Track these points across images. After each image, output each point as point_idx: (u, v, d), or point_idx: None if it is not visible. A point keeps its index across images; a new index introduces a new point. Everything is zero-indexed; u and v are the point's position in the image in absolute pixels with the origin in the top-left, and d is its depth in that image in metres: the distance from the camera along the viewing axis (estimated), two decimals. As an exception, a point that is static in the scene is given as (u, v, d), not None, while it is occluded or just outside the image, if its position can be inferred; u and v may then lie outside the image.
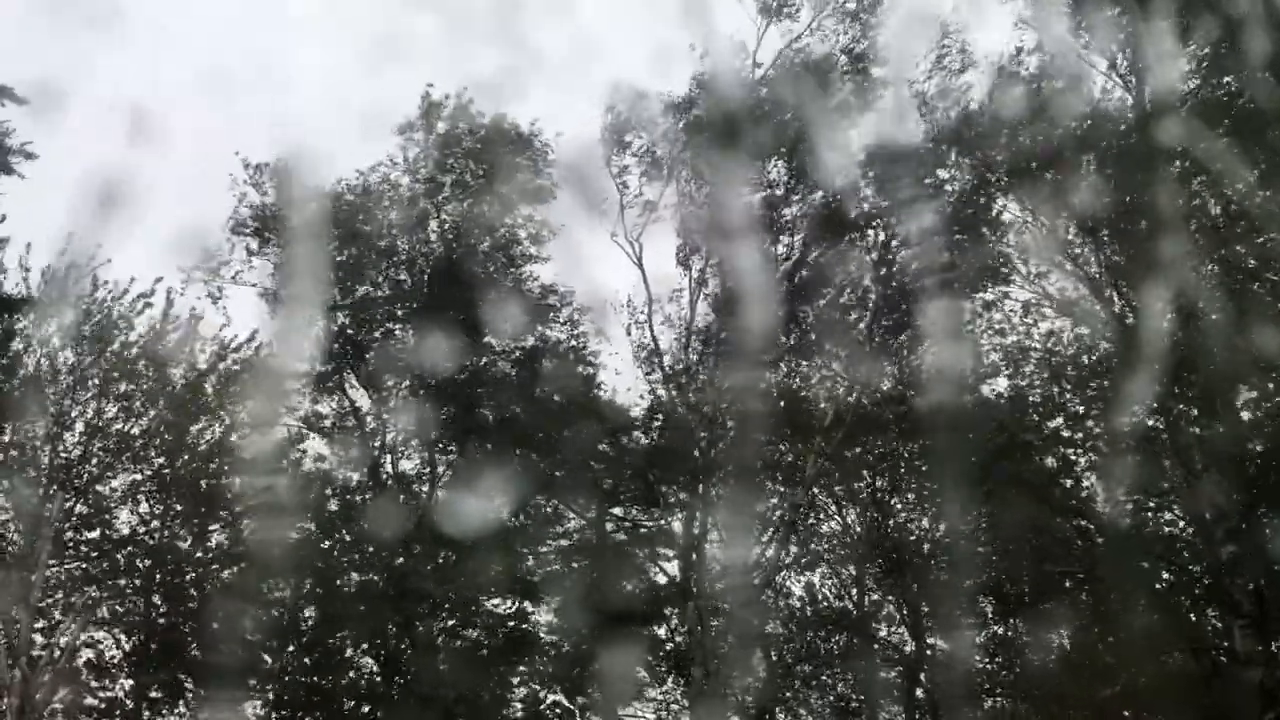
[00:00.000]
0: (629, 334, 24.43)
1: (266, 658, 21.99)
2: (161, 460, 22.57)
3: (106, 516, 22.29)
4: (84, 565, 22.15)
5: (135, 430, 22.33)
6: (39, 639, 20.96)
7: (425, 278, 23.95)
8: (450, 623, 23.45)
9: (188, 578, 22.83)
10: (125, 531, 22.51)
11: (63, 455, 21.72)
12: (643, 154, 24.40)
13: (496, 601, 23.50)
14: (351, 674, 22.99)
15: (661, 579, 24.56)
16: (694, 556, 23.75)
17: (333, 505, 23.48)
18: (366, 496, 23.57)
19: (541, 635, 23.95)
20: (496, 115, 24.45)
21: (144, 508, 22.62)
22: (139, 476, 22.48)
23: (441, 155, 24.44)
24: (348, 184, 24.05)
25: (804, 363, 24.27)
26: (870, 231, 23.20)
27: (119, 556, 22.33)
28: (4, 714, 19.48)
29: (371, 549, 22.61)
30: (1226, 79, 18.22)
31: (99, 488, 22.19)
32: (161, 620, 22.62)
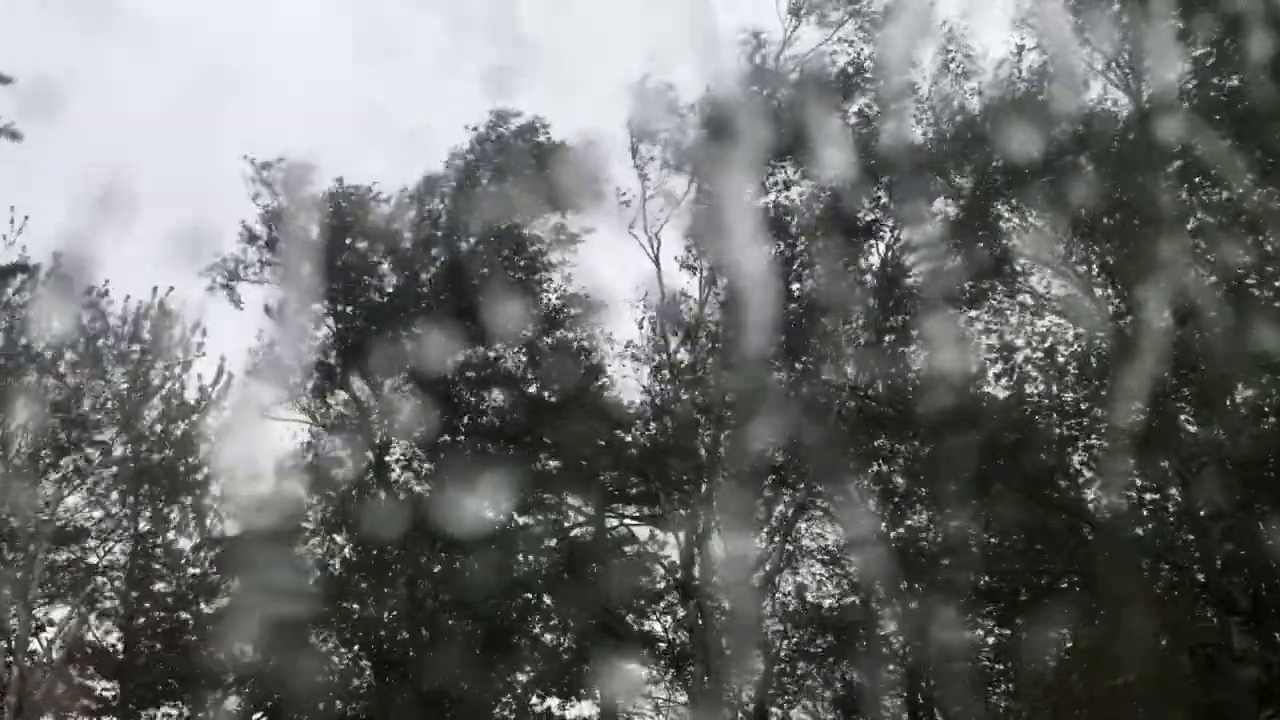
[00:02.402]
0: (640, 327, 24.51)
1: (250, 654, 21.99)
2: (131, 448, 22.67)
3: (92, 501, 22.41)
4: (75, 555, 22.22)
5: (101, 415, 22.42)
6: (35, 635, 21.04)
7: (437, 279, 23.95)
8: (450, 621, 23.43)
9: (167, 575, 22.90)
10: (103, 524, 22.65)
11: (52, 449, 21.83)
12: (666, 148, 24.39)
13: (496, 599, 23.48)
14: (341, 672, 22.95)
15: (663, 576, 24.54)
16: (695, 554, 23.75)
17: (333, 502, 23.46)
18: (366, 493, 23.57)
19: (541, 633, 23.97)
20: (558, 140, 24.64)
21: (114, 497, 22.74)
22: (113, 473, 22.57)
23: (483, 163, 24.49)
24: (368, 189, 24.12)
25: (808, 362, 24.25)
26: (876, 232, 23.20)
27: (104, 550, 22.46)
28: (2, 711, 19.49)
29: (370, 547, 22.61)
30: (1224, 79, 18.22)
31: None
32: (147, 617, 22.68)
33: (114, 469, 22.76)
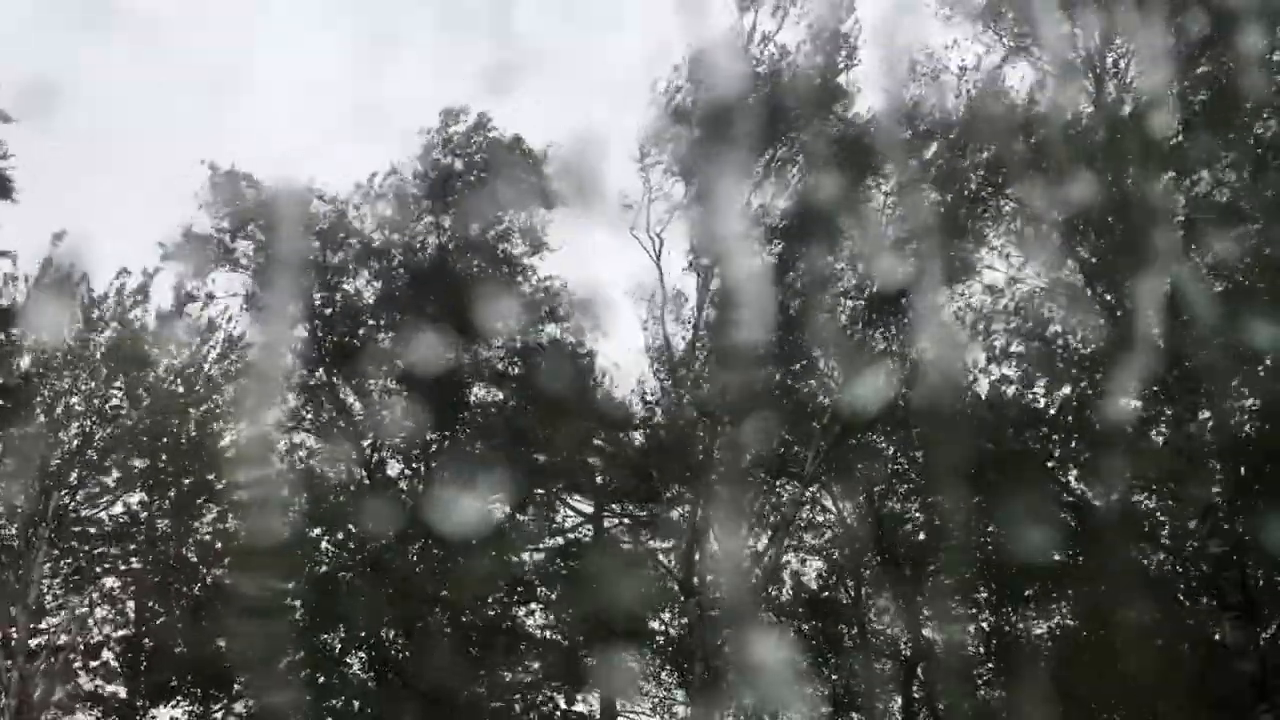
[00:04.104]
0: (645, 328, 24.44)
1: (254, 655, 22.11)
2: (154, 446, 22.79)
3: (101, 503, 22.58)
4: (79, 557, 22.36)
5: (128, 420, 22.55)
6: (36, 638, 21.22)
7: (417, 279, 23.95)
8: (447, 620, 23.49)
9: (179, 575, 23.07)
10: (118, 523, 22.77)
11: (58, 449, 21.97)
12: (671, 151, 24.36)
13: (493, 598, 23.56)
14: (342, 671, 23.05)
15: (661, 574, 24.53)
16: (694, 552, 23.74)
17: (326, 503, 23.49)
18: (360, 492, 23.61)
19: (539, 632, 24.07)
20: (512, 137, 24.64)
21: (135, 499, 22.94)
22: (137, 464, 22.71)
23: (449, 164, 24.50)
24: (342, 190, 24.19)
25: (804, 360, 24.17)
26: (862, 224, 23.08)
27: (112, 549, 22.58)
28: (2, 713, 19.66)
29: (367, 546, 22.69)
30: (1213, 71, 18.13)
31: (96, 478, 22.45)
32: (153, 617, 22.85)
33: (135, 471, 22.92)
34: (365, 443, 23.91)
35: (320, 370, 24.01)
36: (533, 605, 24.11)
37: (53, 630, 21.74)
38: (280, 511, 22.62)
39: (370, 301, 24.10)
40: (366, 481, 23.67)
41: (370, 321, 24.00)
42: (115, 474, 23.03)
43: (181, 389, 23.50)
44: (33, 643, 20.89)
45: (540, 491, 24.27)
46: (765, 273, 23.33)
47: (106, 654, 22.96)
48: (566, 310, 24.68)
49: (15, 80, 19.35)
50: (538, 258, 24.73)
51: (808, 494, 24.41)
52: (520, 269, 24.63)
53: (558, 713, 23.77)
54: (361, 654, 23.17)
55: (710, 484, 23.51)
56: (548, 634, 24.11)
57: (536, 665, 23.62)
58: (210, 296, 23.84)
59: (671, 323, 24.52)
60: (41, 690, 20.35)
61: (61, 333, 22.70)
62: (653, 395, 24.76)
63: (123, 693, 22.81)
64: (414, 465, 24.35)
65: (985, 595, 23.09)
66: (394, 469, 24.34)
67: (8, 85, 20.42)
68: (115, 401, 22.94)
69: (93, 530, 23.08)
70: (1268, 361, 17.39)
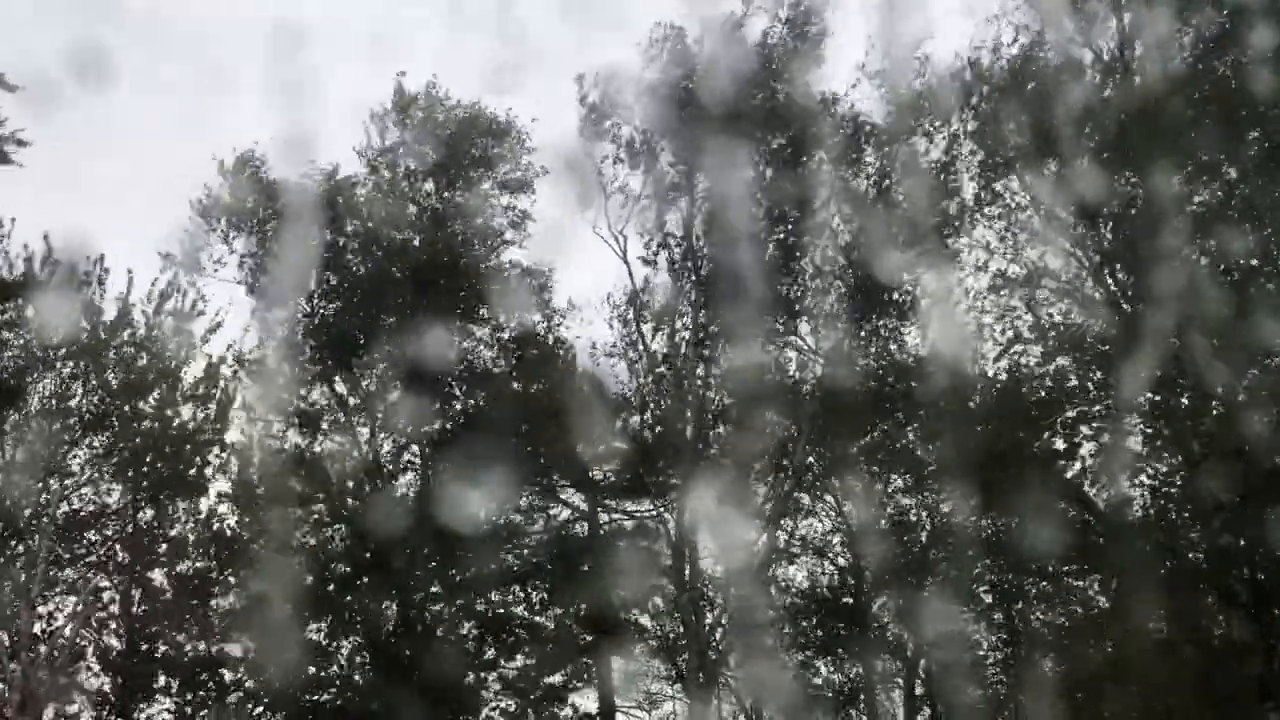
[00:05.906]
0: (622, 324, 24.15)
1: (251, 647, 22.12)
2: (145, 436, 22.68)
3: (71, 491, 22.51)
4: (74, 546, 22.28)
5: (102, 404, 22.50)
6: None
7: (405, 265, 23.79)
8: (445, 613, 23.43)
9: (164, 569, 23.00)
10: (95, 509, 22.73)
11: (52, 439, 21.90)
12: (620, 140, 23.88)
13: (492, 592, 23.50)
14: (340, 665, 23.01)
15: (653, 569, 24.39)
16: (686, 546, 23.60)
17: (323, 494, 23.41)
18: (358, 485, 23.53)
19: (538, 626, 24.00)
20: (470, 103, 24.43)
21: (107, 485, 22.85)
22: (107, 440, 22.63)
23: (416, 142, 24.30)
24: (323, 173, 23.99)
25: (788, 346, 23.94)
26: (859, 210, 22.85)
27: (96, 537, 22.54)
28: (5, 707, 19.61)
29: (366, 540, 22.61)
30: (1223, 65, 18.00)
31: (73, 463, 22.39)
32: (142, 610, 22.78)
33: (115, 460, 22.80)
34: (365, 435, 23.82)
35: (318, 359, 23.85)
36: (529, 600, 24.02)
37: (54, 624, 21.68)
38: (275, 502, 22.57)
39: (366, 288, 23.84)
40: (368, 475, 23.57)
41: (362, 310, 23.75)
42: (95, 460, 22.94)
43: (153, 376, 23.39)
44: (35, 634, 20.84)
45: (535, 486, 24.22)
46: (746, 257, 22.98)
47: (99, 644, 22.88)
48: (558, 303, 24.59)
49: (13, 80, 19.11)
50: (528, 249, 24.65)
51: (802, 486, 24.25)
52: (502, 254, 24.51)
53: (554, 707, 23.76)
54: (364, 647, 23.12)
55: (701, 477, 23.35)
56: (545, 629, 24.03)
57: (533, 660, 23.53)
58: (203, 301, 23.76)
59: (647, 314, 24.29)
60: (45, 685, 20.29)
61: (58, 322, 22.64)
62: (639, 390, 24.59)
63: (111, 686, 22.73)
64: (410, 457, 24.25)
65: (990, 591, 23.04)
66: (392, 463, 24.20)
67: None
68: (98, 386, 22.85)
69: (80, 518, 22.97)
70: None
